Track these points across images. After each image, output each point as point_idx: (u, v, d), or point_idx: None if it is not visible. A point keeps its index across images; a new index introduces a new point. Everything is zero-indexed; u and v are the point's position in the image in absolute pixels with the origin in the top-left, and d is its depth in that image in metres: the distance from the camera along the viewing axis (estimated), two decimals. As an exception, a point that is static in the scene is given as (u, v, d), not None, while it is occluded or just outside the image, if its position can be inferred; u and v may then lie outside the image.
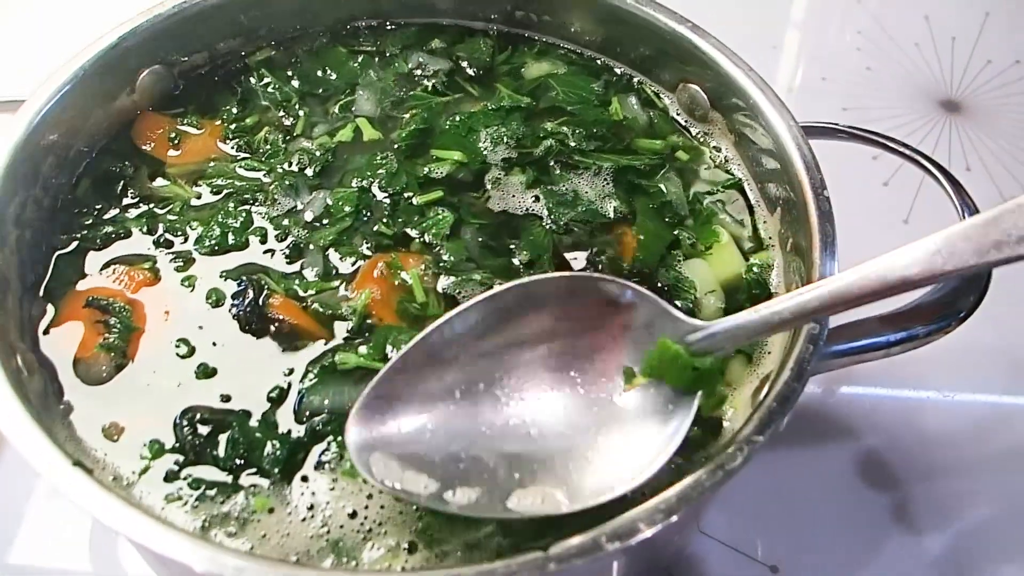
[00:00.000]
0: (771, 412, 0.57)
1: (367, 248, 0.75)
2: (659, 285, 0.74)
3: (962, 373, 0.97)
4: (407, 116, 0.86)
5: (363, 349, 0.68)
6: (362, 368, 0.66)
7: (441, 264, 0.74)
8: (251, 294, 0.70)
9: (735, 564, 0.83)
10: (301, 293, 0.72)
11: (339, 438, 0.63)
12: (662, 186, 0.81)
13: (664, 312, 0.60)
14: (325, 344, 0.69)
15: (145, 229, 0.76)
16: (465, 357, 0.61)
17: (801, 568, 0.83)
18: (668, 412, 0.59)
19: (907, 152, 0.80)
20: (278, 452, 0.62)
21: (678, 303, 0.72)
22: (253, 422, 0.64)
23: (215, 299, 0.71)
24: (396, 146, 0.84)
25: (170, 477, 0.62)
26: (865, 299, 0.53)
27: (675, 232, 0.78)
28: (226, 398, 0.65)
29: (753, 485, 0.87)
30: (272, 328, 0.69)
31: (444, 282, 0.73)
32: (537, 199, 0.79)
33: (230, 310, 0.70)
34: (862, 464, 0.90)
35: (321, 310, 0.71)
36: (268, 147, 0.83)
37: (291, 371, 0.67)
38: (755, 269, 0.76)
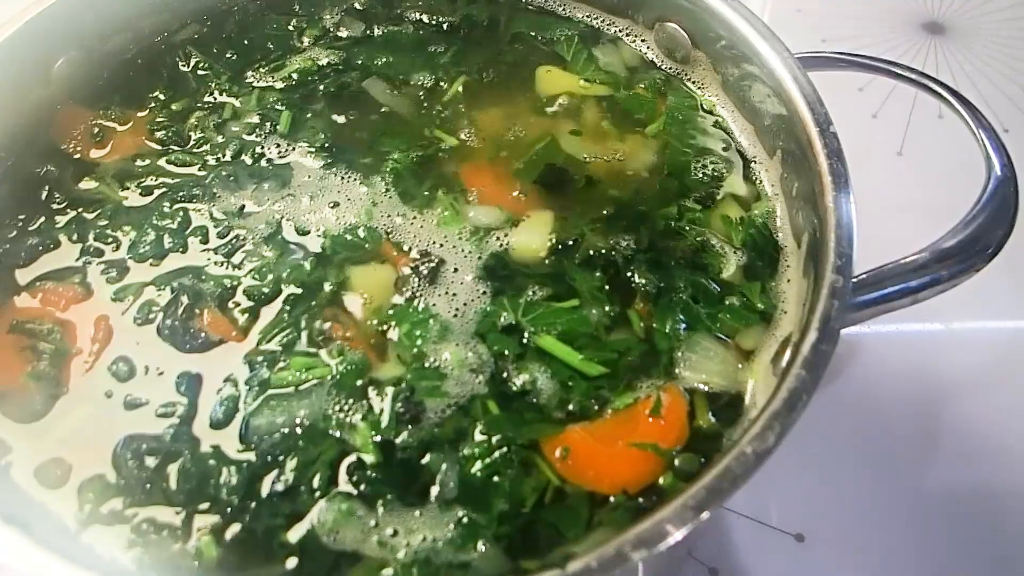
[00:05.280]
0: (801, 381, 0.50)
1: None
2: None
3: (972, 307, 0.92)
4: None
5: (299, 360, 0.60)
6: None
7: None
8: (184, 301, 0.62)
9: (759, 536, 0.77)
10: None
11: (293, 460, 0.56)
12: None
13: None
14: (259, 357, 0.61)
15: (74, 237, 0.67)
16: None
17: (827, 535, 0.78)
18: None
19: (912, 76, 0.73)
20: (234, 480, 0.54)
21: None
22: (203, 448, 0.56)
23: (147, 313, 0.62)
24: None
25: (116, 520, 0.53)
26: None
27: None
28: (170, 424, 0.57)
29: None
30: (205, 342, 0.61)
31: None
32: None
33: (160, 325, 0.62)
34: (882, 423, 0.84)
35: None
36: (200, 135, 0.74)
37: (234, 386, 0.59)
38: (757, 221, 0.69)
